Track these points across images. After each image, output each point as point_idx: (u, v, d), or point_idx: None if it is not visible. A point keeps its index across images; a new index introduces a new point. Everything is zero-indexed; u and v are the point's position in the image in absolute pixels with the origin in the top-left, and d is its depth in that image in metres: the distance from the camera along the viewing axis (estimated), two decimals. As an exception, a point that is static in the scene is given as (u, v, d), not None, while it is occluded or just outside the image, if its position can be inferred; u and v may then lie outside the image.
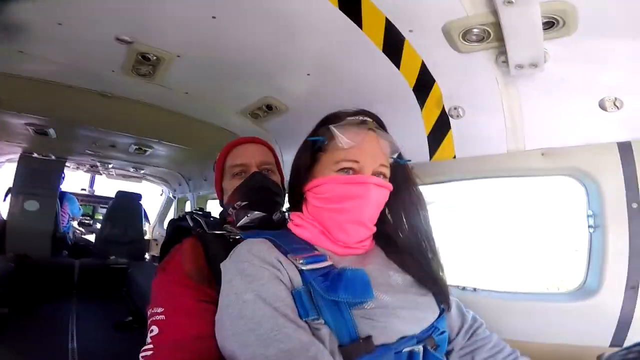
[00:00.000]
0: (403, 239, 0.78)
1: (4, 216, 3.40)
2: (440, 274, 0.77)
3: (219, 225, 0.91)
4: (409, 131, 1.22)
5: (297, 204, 0.79)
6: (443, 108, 1.10)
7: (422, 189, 0.80)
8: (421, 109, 1.16)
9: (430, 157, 1.22)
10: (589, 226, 1.02)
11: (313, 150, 0.75)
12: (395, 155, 0.76)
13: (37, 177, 3.37)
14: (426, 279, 0.74)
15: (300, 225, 0.75)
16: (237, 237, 0.79)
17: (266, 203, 0.92)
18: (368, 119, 0.75)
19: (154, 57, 1.28)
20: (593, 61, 0.87)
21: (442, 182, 1.29)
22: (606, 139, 0.96)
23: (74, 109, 1.96)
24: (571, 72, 0.91)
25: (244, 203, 0.91)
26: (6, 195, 3.43)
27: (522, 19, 0.77)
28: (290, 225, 0.77)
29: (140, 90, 1.61)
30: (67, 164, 3.68)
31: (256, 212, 0.89)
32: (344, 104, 0.79)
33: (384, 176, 0.73)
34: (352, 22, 0.95)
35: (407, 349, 0.61)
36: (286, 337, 0.54)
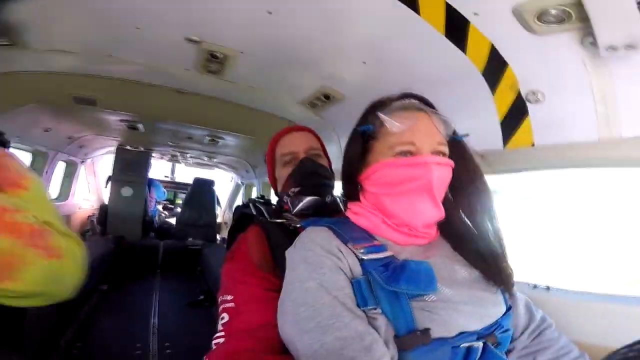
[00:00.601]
0: (468, 227, 0.73)
1: (106, 202, 4.00)
2: (507, 267, 0.71)
3: (278, 214, 0.95)
4: (477, 117, 1.13)
5: (354, 194, 0.78)
6: (519, 92, 0.99)
7: (496, 178, 0.73)
8: (493, 93, 1.07)
9: (504, 144, 1.12)
10: None
11: (363, 139, 0.73)
12: (451, 134, 0.71)
13: (131, 167, 3.89)
14: (494, 275, 0.69)
15: (359, 214, 0.74)
16: (297, 226, 0.81)
17: (317, 187, 0.94)
18: (414, 100, 0.72)
19: (221, 55, 1.37)
20: None
21: (519, 171, 1.17)
22: None
23: (156, 106, 2.20)
24: None
25: (297, 189, 0.94)
26: (107, 183, 4.03)
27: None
28: (348, 213, 0.77)
29: (211, 86, 1.74)
30: (152, 154, 4.16)
31: (309, 197, 0.92)
32: (401, 91, 0.76)
33: (444, 154, 0.69)
34: (407, 8, 0.90)
35: (465, 345, 0.58)
36: (343, 326, 0.55)
